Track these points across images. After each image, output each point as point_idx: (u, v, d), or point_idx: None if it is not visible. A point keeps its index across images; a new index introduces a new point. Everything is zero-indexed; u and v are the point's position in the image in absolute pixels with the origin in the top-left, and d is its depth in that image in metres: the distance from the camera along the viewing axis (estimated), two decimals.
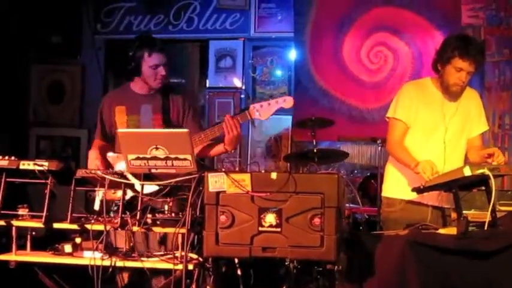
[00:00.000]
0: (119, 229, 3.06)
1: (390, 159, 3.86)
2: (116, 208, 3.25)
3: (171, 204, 3.16)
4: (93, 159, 3.68)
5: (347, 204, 4.79)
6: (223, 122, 3.48)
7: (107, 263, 2.99)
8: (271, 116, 3.48)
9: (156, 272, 3.13)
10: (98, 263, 2.98)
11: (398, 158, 3.70)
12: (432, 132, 3.69)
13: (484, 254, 2.96)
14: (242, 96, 6.25)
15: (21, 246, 3.20)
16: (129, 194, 3.24)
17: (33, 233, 3.23)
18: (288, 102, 3.48)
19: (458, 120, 3.71)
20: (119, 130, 3.14)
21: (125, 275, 3.38)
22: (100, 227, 3.06)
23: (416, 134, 3.71)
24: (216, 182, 2.84)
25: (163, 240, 3.28)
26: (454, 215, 3.53)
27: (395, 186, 3.77)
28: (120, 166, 3.39)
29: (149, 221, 3.05)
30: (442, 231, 3.26)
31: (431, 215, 3.64)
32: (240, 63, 6.28)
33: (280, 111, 3.52)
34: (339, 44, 5.97)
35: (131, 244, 3.09)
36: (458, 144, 3.73)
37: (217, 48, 6.35)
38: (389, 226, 3.69)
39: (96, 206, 3.20)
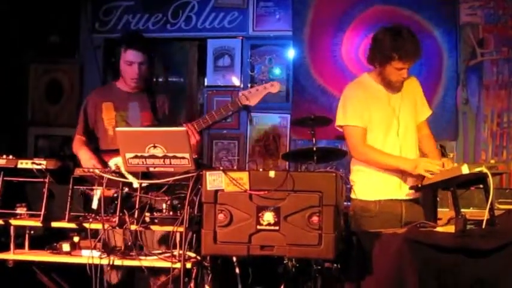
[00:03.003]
0: (117, 228, 3.06)
1: (354, 162, 3.75)
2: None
3: (169, 202, 3.16)
4: (88, 159, 3.70)
5: (345, 203, 4.78)
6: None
7: (105, 261, 2.99)
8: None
9: (154, 270, 3.13)
10: (96, 261, 2.98)
11: (381, 164, 3.58)
12: (387, 129, 3.62)
13: (482, 252, 2.95)
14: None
15: (19, 245, 3.20)
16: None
17: (32, 231, 3.23)
18: (275, 86, 3.54)
19: (407, 110, 3.66)
20: (117, 129, 3.14)
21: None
22: (98, 226, 3.06)
23: (373, 133, 3.63)
24: (214, 180, 2.83)
25: (164, 238, 3.28)
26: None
27: (368, 188, 3.66)
28: (114, 161, 3.37)
29: (147, 219, 3.05)
30: (439, 229, 3.26)
31: (405, 210, 3.61)
32: (238, 62, 6.26)
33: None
34: (337, 43, 5.97)
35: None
36: (409, 134, 3.66)
37: (215, 46, 6.33)
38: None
39: (94, 205, 3.20)
